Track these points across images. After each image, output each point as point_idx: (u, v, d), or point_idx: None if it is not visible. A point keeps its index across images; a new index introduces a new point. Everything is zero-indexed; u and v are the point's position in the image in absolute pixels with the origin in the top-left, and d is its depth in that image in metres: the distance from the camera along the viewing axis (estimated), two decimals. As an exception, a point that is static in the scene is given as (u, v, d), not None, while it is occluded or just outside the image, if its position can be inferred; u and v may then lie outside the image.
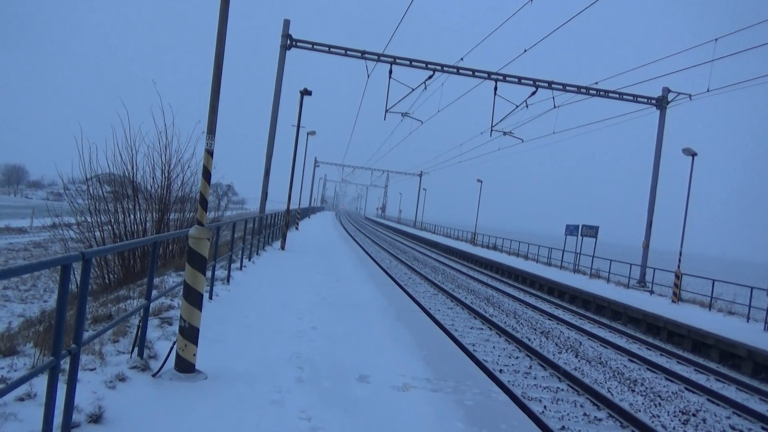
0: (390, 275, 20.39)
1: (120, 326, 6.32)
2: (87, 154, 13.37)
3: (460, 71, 22.65)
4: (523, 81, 22.95)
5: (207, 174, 5.72)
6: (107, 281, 13.73)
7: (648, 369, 11.68)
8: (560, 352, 12.35)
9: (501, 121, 23.61)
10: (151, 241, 6.01)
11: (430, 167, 68.27)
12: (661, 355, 13.43)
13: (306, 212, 57.01)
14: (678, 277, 20.29)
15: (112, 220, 14.02)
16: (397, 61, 22.31)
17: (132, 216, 14.32)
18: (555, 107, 23.27)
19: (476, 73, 22.84)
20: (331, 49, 22.34)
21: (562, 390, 9.47)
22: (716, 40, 17.41)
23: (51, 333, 3.64)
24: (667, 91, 24.16)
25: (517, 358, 11.44)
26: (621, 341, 14.41)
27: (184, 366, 5.36)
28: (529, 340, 13.21)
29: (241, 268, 13.20)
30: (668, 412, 9.00)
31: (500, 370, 10.23)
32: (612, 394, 9.51)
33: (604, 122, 24.76)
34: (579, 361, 11.79)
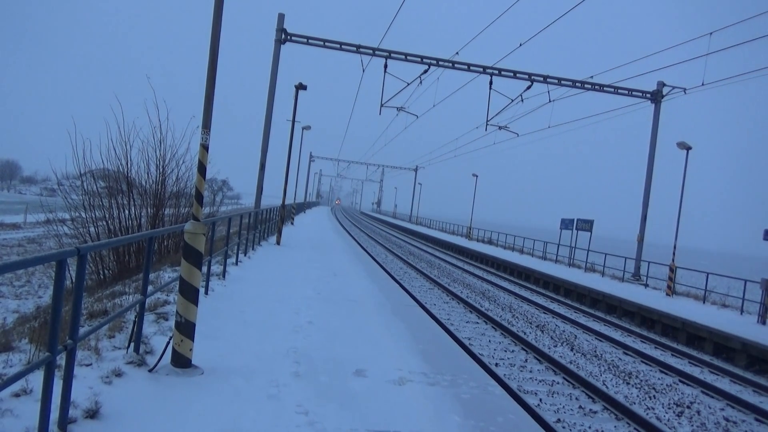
0: (386, 270, 20.40)
1: (116, 322, 6.31)
2: (81, 150, 13.32)
3: (456, 65, 22.62)
4: (518, 75, 22.94)
5: (202, 169, 5.70)
6: (102, 277, 13.69)
7: (643, 362, 11.75)
8: (555, 346, 12.41)
9: (496, 115, 23.65)
10: (146, 236, 5.99)
11: (425, 162, 68.19)
12: (655, 348, 13.51)
13: (301, 207, 56.94)
14: (672, 270, 20.38)
15: (107, 215, 13.96)
16: (393, 55, 22.25)
17: (126, 211, 14.26)
18: (550, 101, 23.31)
19: (471, 68, 22.81)
20: (326, 44, 22.25)
21: (558, 383, 9.52)
22: (711, 34, 17.47)
23: (46, 328, 3.63)
24: (661, 85, 24.20)
25: (512, 351, 11.49)
26: (616, 334, 14.48)
27: (181, 361, 5.37)
28: (525, 333, 13.26)
29: (236, 264, 13.19)
30: (663, 404, 9.07)
31: (496, 364, 10.28)
32: (607, 387, 9.56)
33: (599, 116, 24.92)
34: (574, 354, 11.85)
